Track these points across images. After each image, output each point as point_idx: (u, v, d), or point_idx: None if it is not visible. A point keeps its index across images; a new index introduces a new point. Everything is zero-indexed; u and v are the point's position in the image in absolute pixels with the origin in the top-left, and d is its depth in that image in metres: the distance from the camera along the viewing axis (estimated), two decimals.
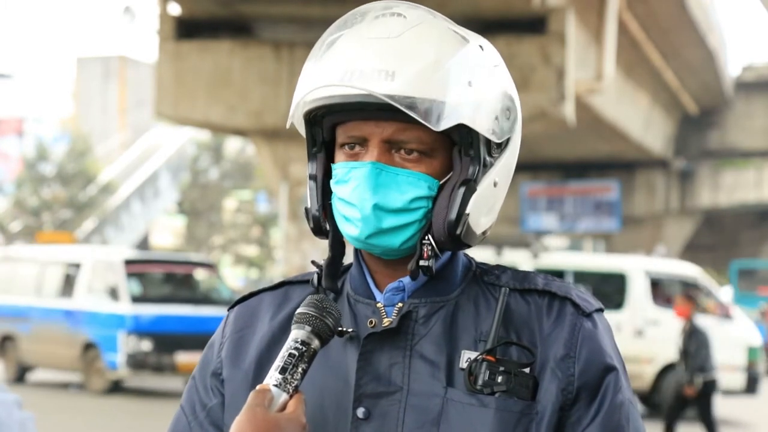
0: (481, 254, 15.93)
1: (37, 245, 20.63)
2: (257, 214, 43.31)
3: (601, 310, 1.64)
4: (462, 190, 1.56)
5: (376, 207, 1.56)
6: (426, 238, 1.58)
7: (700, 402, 11.31)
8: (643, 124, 31.41)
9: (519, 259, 15.78)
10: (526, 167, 31.40)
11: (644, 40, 27.16)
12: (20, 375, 17.80)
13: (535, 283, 1.64)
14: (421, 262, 1.58)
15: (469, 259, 1.69)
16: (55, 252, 18.58)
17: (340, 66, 1.56)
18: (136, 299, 16.22)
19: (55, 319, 17.04)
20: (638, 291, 15.60)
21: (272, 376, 1.53)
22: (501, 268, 1.67)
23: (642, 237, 35.12)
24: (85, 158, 40.04)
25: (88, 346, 16.31)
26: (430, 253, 1.58)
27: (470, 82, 1.55)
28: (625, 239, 34.16)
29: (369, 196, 1.56)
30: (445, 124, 1.53)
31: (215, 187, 42.36)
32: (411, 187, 1.56)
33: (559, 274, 15.82)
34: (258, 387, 1.52)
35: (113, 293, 16.25)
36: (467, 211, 1.57)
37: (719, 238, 43.15)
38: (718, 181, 36.37)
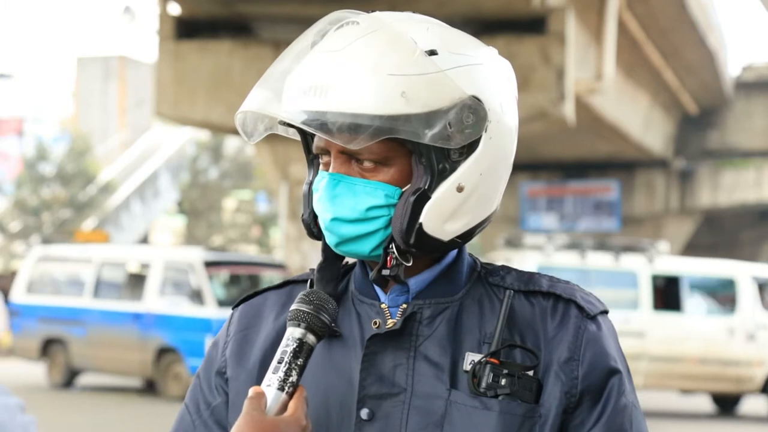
0: (599, 260, 15.95)
1: (88, 245, 19.06)
2: (257, 214, 43.31)
3: (605, 312, 1.64)
4: (413, 199, 1.55)
5: (334, 217, 1.57)
6: (390, 246, 1.58)
7: None
8: (643, 124, 31.41)
9: (635, 265, 15.83)
10: (526, 167, 31.40)
11: (644, 40, 27.15)
12: (69, 380, 16.90)
13: (540, 285, 1.64)
14: (384, 271, 1.58)
15: (474, 260, 1.69)
16: (116, 252, 17.65)
17: (289, 84, 1.58)
18: (219, 302, 15.62)
19: (120, 323, 16.21)
20: (747, 296, 15.84)
21: (269, 378, 1.53)
22: (506, 269, 1.67)
23: (642, 237, 35.10)
24: (84, 158, 40.04)
25: (164, 351, 15.66)
26: (393, 261, 1.58)
27: (404, 93, 1.52)
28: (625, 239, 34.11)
29: (328, 207, 1.57)
30: (362, 142, 1.52)
31: (215, 187, 42.36)
32: (367, 196, 1.56)
33: (674, 279, 15.85)
34: (251, 392, 1.51)
35: (195, 296, 15.60)
36: (420, 220, 1.56)
37: (719, 238, 43.13)
38: (718, 181, 36.34)
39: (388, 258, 1.58)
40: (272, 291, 1.74)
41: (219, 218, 43.01)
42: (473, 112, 1.55)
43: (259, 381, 1.62)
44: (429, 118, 1.53)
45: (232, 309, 1.76)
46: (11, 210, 39.93)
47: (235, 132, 23.10)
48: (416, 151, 1.55)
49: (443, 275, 1.63)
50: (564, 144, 29.40)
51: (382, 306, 1.63)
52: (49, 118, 50.40)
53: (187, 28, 20.26)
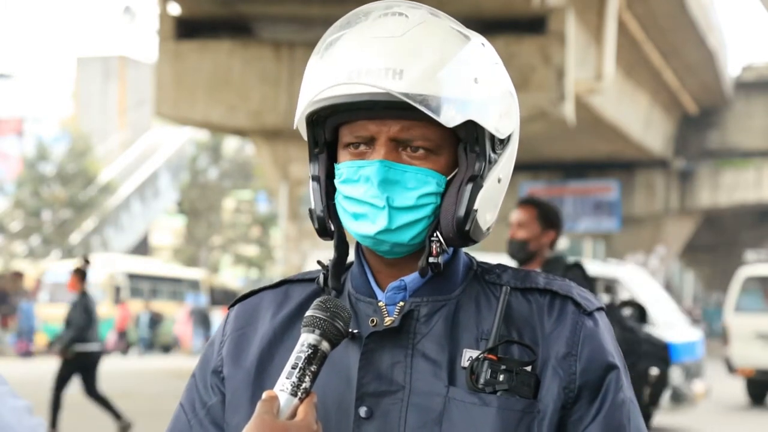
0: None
1: None
2: (257, 214, 43.32)
3: (602, 309, 1.65)
4: (470, 186, 1.58)
5: (388, 204, 1.57)
6: (435, 234, 1.59)
7: (84, 374, 11.51)
8: (643, 124, 31.41)
9: None
10: (526, 167, 31.39)
11: (644, 40, 27.15)
12: None
13: (536, 282, 1.64)
14: (431, 259, 1.59)
15: (470, 258, 1.69)
16: None
17: (345, 65, 1.56)
18: None
19: None
20: None
21: (281, 382, 1.52)
22: (502, 267, 1.68)
23: (642, 237, 35.11)
24: (84, 158, 40.05)
25: None
26: (438, 249, 1.59)
27: (476, 79, 1.56)
28: (625, 239, 34.16)
29: (379, 193, 1.57)
30: (456, 121, 1.54)
31: (215, 187, 42.37)
32: (419, 183, 1.57)
33: None
34: (265, 395, 1.51)
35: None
36: (475, 207, 1.58)
37: (719, 238, 43.18)
38: (718, 181, 36.35)
39: (434, 246, 1.59)
40: (268, 290, 1.74)
41: (219, 218, 43.01)
42: (511, 107, 1.62)
43: (256, 380, 1.63)
44: (491, 104, 1.58)
45: (228, 308, 1.76)
46: (11, 210, 39.92)
47: (234, 132, 23.16)
48: (470, 139, 1.58)
49: (440, 273, 1.63)
50: (564, 144, 29.40)
51: (380, 304, 1.63)
52: (49, 118, 50.42)
53: (187, 28, 20.26)
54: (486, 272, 1.67)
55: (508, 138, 1.62)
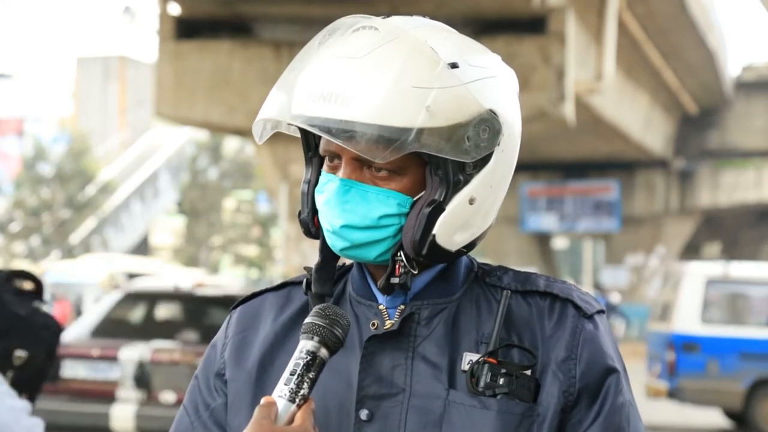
0: None
1: None
2: (257, 214, 43.30)
3: (602, 312, 1.65)
4: (428, 210, 1.55)
5: (344, 224, 1.57)
6: (398, 254, 1.58)
7: None
8: (643, 124, 31.42)
9: None
10: (526, 167, 31.39)
11: (644, 40, 27.16)
12: None
13: (537, 285, 1.64)
14: (392, 279, 1.58)
15: (471, 260, 1.69)
16: None
17: (299, 86, 1.56)
18: None
19: None
20: None
21: (279, 388, 1.52)
22: (503, 270, 1.68)
23: (642, 237, 35.13)
24: (83, 158, 40.03)
25: None
26: (402, 269, 1.58)
27: (429, 107, 1.51)
28: (625, 239, 34.18)
29: (338, 212, 1.57)
30: (389, 156, 1.51)
31: (215, 187, 42.36)
32: (380, 204, 1.56)
33: None
34: (263, 400, 1.51)
35: None
36: (433, 232, 1.56)
37: (719, 238, 43.17)
38: (718, 181, 36.36)
39: (397, 266, 1.58)
40: (270, 293, 1.74)
41: (219, 218, 42.99)
42: (489, 126, 1.57)
43: (258, 382, 1.63)
44: (450, 132, 1.53)
45: (231, 310, 1.76)
46: (11, 210, 39.91)
47: (234, 132, 23.15)
48: (433, 162, 1.55)
49: (441, 276, 1.63)
50: (564, 144, 29.41)
51: (380, 307, 1.63)
52: (49, 118, 50.42)
53: (187, 28, 20.25)
54: (487, 275, 1.67)
55: (489, 155, 1.58)
